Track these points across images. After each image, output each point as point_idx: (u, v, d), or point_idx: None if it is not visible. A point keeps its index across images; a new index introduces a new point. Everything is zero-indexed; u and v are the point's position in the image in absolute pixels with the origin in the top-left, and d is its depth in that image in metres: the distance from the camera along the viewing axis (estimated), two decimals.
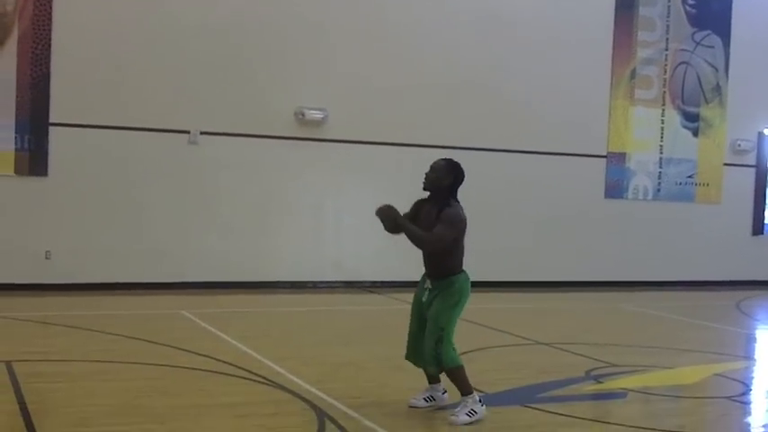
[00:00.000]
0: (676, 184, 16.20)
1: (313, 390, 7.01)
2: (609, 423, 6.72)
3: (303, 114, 13.36)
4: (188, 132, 12.88)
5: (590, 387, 7.79)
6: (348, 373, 7.79)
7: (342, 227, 13.77)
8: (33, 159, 12.10)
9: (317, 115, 13.44)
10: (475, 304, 12.18)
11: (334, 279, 13.81)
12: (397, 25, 14.08)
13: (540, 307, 13.18)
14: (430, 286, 6.45)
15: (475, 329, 10.56)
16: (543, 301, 13.79)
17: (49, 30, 12.10)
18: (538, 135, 14.95)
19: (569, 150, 15.26)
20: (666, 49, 15.97)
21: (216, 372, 7.60)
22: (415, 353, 6.56)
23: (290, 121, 13.43)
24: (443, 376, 6.58)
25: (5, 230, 11.96)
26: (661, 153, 16.06)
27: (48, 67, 12.10)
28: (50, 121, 12.14)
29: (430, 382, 6.66)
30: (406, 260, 14.10)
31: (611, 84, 15.60)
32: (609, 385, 7.81)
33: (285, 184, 13.51)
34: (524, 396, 7.23)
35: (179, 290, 12.60)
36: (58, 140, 12.19)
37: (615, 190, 15.74)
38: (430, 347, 6.30)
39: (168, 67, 12.74)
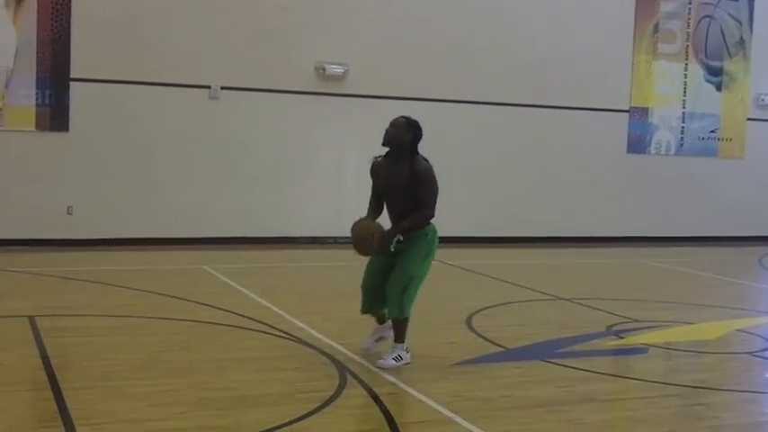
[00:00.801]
0: (699, 138, 16.04)
1: (334, 344, 7.05)
2: (629, 378, 6.73)
3: (324, 69, 13.29)
4: (209, 87, 12.85)
5: (611, 342, 7.78)
6: (368, 329, 7.80)
7: (362, 182, 13.70)
8: (54, 115, 12.13)
9: (338, 70, 13.36)
10: (495, 259, 12.19)
11: None
12: None
13: (561, 262, 13.14)
14: (401, 238, 6.48)
15: (495, 284, 10.58)
16: (563, 256, 13.75)
17: None
18: (560, 90, 14.80)
19: (591, 105, 15.11)
20: (690, 3, 15.71)
21: (237, 327, 7.65)
22: (371, 301, 6.72)
23: (311, 76, 13.36)
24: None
25: (27, 186, 12.03)
26: (684, 108, 15.89)
27: (68, 23, 12.07)
28: (71, 76, 12.14)
29: (380, 323, 6.87)
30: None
31: (634, 38, 15.39)
32: (630, 341, 7.80)
33: (306, 139, 13.49)
34: (544, 351, 7.23)
35: (200, 245, 12.67)
36: (78, 96, 12.20)
37: (638, 145, 15.60)
38: (396, 294, 6.47)
39: (189, 22, 12.68)
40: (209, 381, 5.99)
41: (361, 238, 6.49)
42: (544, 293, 10.02)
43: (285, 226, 13.42)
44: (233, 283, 9.82)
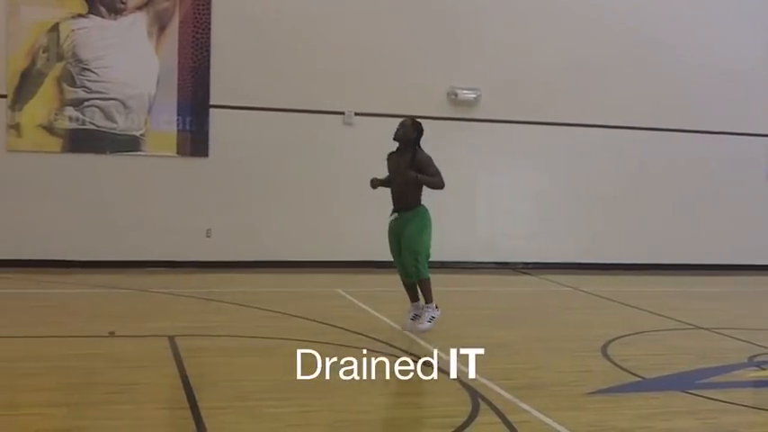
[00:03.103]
0: None
1: (466, 370, 6.97)
2: None
3: (456, 94, 13.30)
4: (343, 113, 13.04)
5: (753, 374, 7.44)
6: (501, 355, 7.70)
7: (495, 207, 13.66)
8: (195, 140, 12.54)
9: (470, 95, 13.35)
10: (629, 286, 11.86)
11: (485, 260, 13.72)
12: (549, 3, 13.80)
13: (696, 290, 12.74)
14: (397, 216, 8.38)
15: (631, 312, 10.30)
16: (698, 284, 13.33)
17: (209, 15, 12.47)
18: (696, 112, 14.40)
19: (728, 129, 14.59)
20: None
21: (370, 350, 7.66)
22: (402, 269, 8.36)
23: (443, 102, 13.39)
24: None
25: (169, 209, 12.45)
26: None
27: (207, 51, 12.49)
28: (210, 103, 12.53)
29: (412, 301, 8.47)
30: (561, 241, 14.04)
31: None
32: None
33: (436, 163, 13.45)
34: (683, 382, 6.97)
35: (334, 268, 12.81)
36: (217, 122, 12.57)
37: None
38: (411, 264, 8.24)
39: (323, 51, 12.92)
40: (344, 403, 6.00)
41: None
42: (681, 322, 9.68)
43: None
44: (366, 307, 9.88)
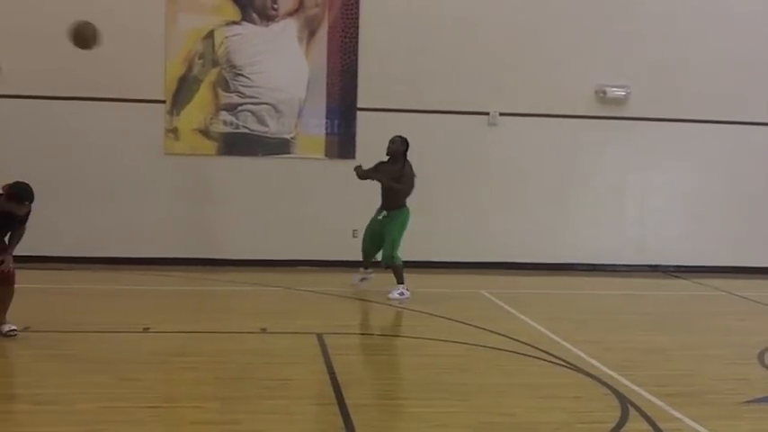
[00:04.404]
0: None
1: (615, 375, 6.83)
2: None
3: (605, 92, 13.04)
4: (487, 114, 13.00)
5: None
6: (652, 361, 7.51)
7: (645, 208, 13.32)
8: (342, 143, 12.76)
9: (620, 93, 13.06)
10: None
11: (636, 262, 13.40)
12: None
13: None
14: (386, 214, 10.36)
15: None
16: None
17: (357, 18, 12.66)
18: None
19: None
20: None
21: (515, 352, 7.61)
22: (367, 254, 10.71)
23: (591, 100, 13.16)
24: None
25: (316, 210, 12.69)
26: None
27: (355, 55, 12.68)
28: (358, 105, 12.73)
29: (365, 268, 10.83)
30: (714, 243, 13.57)
31: None
32: None
33: (585, 163, 13.28)
34: None
35: (477, 269, 12.78)
36: (364, 124, 12.76)
37: None
38: (388, 251, 10.23)
39: (469, 51, 12.89)
40: (489, 405, 5.99)
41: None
42: None
43: (562, 252, 13.25)
44: (510, 308, 9.81)
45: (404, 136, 10.41)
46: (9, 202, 7.40)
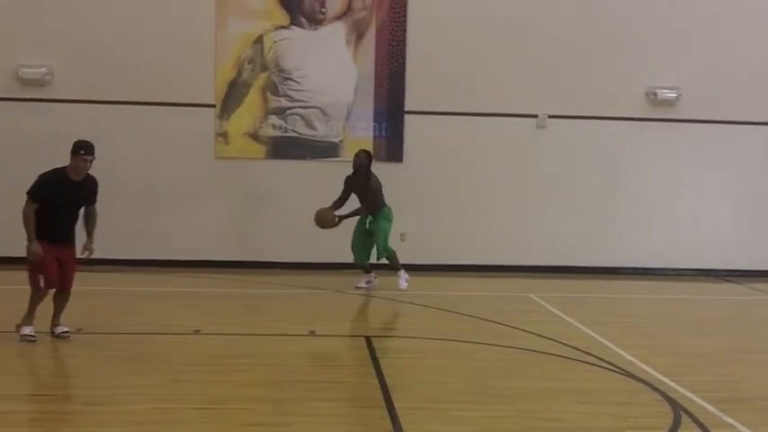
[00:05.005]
0: None
1: (666, 381, 6.76)
2: None
3: (655, 94, 12.91)
4: (536, 116, 12.94)
5: None
6: (703, 366, 7.43)
7: (696, 212, 13.16)
8: (390, 146, 12.79)
9: (670, 94, 12.93)
10: None
11: (685, 266, 13.24)
12: (753, 1, 13.20)
13: None
14: (371, 218, 10.80)
15: None
16: None
17: (404, 22, 12.68)
18: None
19: None
20: None
21: (563, 356, 7.57)
22: (359, 255, 11.04)
23: (641, 102, 13.04)
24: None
25: None
26: None
27: (403, 58, 12.70)
28: (405, 109, 12.74)
29: (366, 272, 11.10)
30: None
31: None
32: None
33: (634, 165, 13.16)
34: None
35: (525, 272, 12.73)
36: (411, 128, 12.77)
37: None
38: (381, 246, 10.77)
39: (517, 54, 12.86)
40: (537, 410, 5.97)
41: (322, 220, 10.69)
42: None
43: (611, 256, 13.14)
44: (558, 312, 9.76)
45: (368, 150, 11.19)
46: (69, 165, 7.44)
